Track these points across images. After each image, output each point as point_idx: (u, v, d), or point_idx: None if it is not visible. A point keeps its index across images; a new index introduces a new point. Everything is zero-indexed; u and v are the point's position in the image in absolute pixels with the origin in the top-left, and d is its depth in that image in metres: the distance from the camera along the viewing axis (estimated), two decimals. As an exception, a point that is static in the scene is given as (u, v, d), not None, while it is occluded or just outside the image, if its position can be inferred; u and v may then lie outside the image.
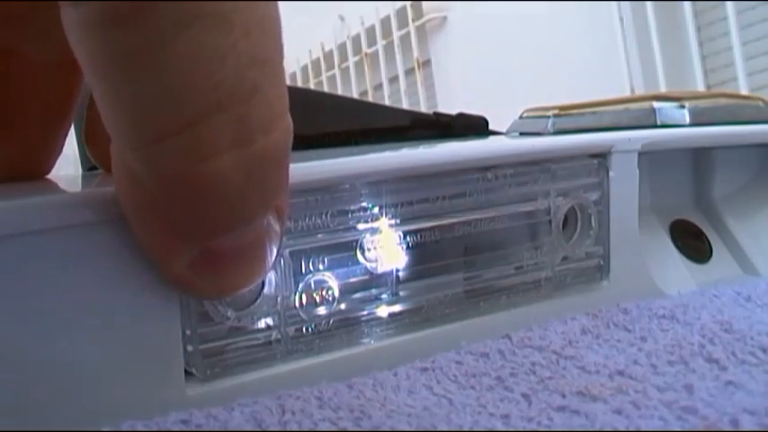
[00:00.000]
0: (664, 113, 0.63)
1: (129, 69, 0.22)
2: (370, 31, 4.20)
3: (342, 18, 4.30)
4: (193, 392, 0.36)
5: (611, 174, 0.51)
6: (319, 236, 0.41)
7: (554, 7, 3.45)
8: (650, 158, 0.63)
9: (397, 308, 0.43)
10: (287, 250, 0.39)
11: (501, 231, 0.48)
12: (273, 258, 0.31)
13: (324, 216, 0.41)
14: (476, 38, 3.86)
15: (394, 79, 4.15)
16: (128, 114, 0.23)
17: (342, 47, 4.32)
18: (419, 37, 4.02)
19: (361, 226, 0.42)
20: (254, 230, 0.28)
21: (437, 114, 0.75)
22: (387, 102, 4.11)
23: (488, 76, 3.72)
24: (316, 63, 4.52)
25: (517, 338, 0.38)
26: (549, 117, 0.58)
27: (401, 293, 0.44)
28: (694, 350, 0.32)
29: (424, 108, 3.96)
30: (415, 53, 3.99)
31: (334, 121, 0.74)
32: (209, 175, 0.24)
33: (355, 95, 4.25)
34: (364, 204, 0.42)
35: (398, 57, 4.12)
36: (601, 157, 0.51)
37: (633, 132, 0.50)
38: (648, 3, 3.14)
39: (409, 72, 4.10)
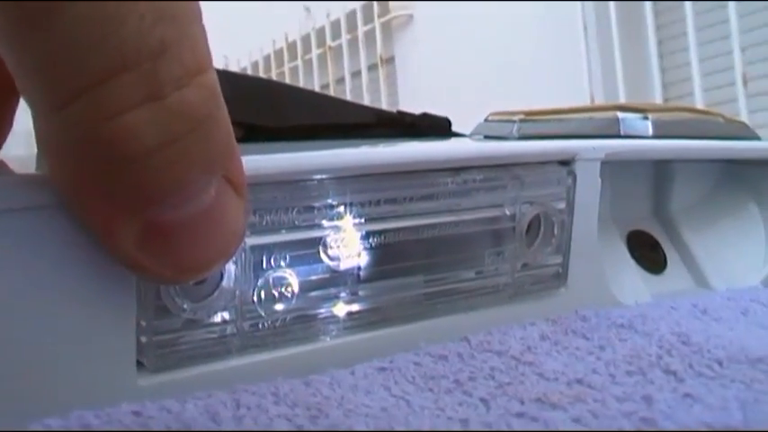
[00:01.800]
0: (627, 124, 0.63)
1: (29, 34, 0.22)
2: (335, 25, 4.18)
3: (308, 9, 4.28)
4: (145, 384, 0.35)
5: (575, 182, 0.52)
6: (282, 231, 0.40)
7: (520, 12, 3.47)
8: (611, 168, 0.63)
9: (356, 307, 0.43)
10: (248, 244, 0.39)
11: (464, 235, 0.48)
12: (236, 238, 0.30)
13: (288, 211, 0.40)
14: (440, 37, 3.87)
15: (357, 74, 4.14)
16: (36, 80, 0.24)
17: (306, 38, 4.29)
18: (384, 34, 4.01)
19: (325, 223, 0.41)
20: (198, 203, 0.27)
21: (401, 113, 0.74)
22: (348, 97, 4.09)
23: (451, 77, 3.73)
24: (279, 53, 4.49)
25: (476, 342, 0.38)
26: (514, 122, 0.58)
27: (361, 293, 0.43)
28: (652, 361, 0.33)
29: (385, 106, 3.95)
30: (379, 49, 3.98)
31: (299, 115, 0.74)
32: (120, 131, 0.24)
33: (317, 89, 4.23)
34: (330, 201, 0.42)
35: (362, 52, 4.11)
36: (567, 164, 0.51)
37: (597, 141, 0.51)
38: (612, 12, 3.17)
39: (372, 68, 4.09)
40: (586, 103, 3.18)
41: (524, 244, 0.50)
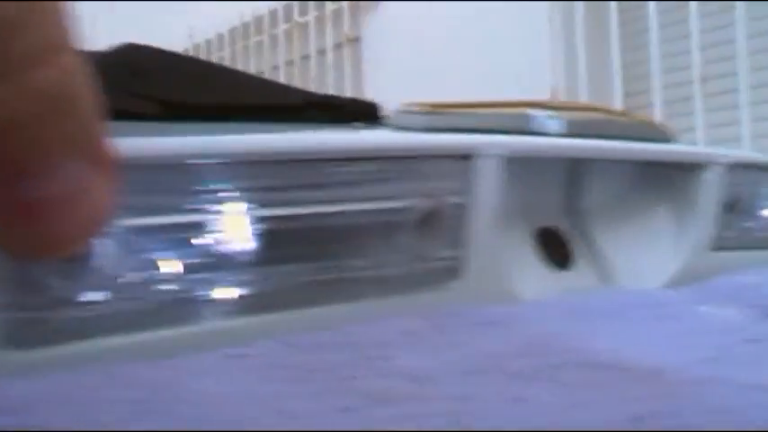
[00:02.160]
0: (538, 122, 0.64)
1: None
2: (304, 3, 4.13)
3: (276, -16, 4.22)
4: (8, 360, 0.35)
5: (474, 177, 0.52)
6: (162, 214, 0.40)
7: (492, 5, 3.46)
8: (523, 164, 0.64)
9: (237, 292, 0.43)
10: (125, 225, 0.39)
11: (356, 225, 0.48)
12: (99, 218, 0.31)
13: (170, 194, 0.40)
14: (408, 21, 3.86)
15: (323, 53, 4.11)
16: None
17: (273, 13, 4.25)
18: (352, 13, 3.98)
19: (207, 207, 0.42)
20: (57, 182, 0.27)
21: (330, 97, 0.74)
22: (312, 75, 4.06)
23: (417, 60, 3.72)
24: (245, 27, 4.43)
25: (341, 334, 0.39)
26: (422, 113, 0.58)
27: (243, 278, 0.44)
28: (503, 362, 0.33)
29: (349, 86, 3.93)
30: (346, 28, 3.96)
31: (221, 93, 0.73)
32: None
33: (282, 65, 4.20)
34: (213, 186, 0.42)
35: (329, 30, 4.08)
36: (467, 159, 0.52)
37: (500, 137, 0.52)
38: (578, 7, 3.19)
39: (338, 47, 4.06)
40: (546, 94, 3.20)
41: (417, 237, 0.50)
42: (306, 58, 4.26)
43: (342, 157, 0.45)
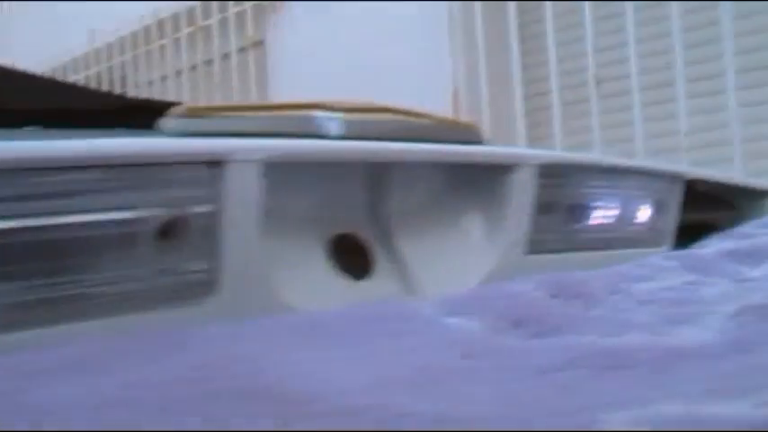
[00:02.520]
0: (319, 124, 0.61)
1: None
2: (207, 5, 4.06)
3: (179, -13, 4.13)
4: None
5: (226, 184, 0.49)
6: None
7: (391, 5, 3.45)
8: (317, 169, 0.61)
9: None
10: None
11: (89, 237, 0.44)
12: None
13: None
14: (313, 24, 3.82)
15: (226, 57, 4.04)
16: None
17: (176, 17, 4.16)
18: (255, 16, 3.92)
19: None
20: None
21: (121, 98, 0.70)
22: (216, 80, 3.99)
23: (321, 64, 3.69)
24: (147, 30, 4.33)
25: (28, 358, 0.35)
26: (179, 117, 0.55)
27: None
28: (151, 392, 0.30)
29: (254, 90, 3.87)
30: (249, 32, 3.90)
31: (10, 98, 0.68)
32: None
33: (185, 69, 4.11)
34: None
35: (233, 33, 4.01)
36: (216, 165, 0.48)
37: (256, 141, 0.48)
38: (478, 10, 3.20)
39: (242, 51, 4.00)
40: (449, 95, 3.20)
41: (160, 249, 0.47)
42: (209, 62, 4.19)
43: (65, 166, 0.41)
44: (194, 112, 0.53)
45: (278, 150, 0.49)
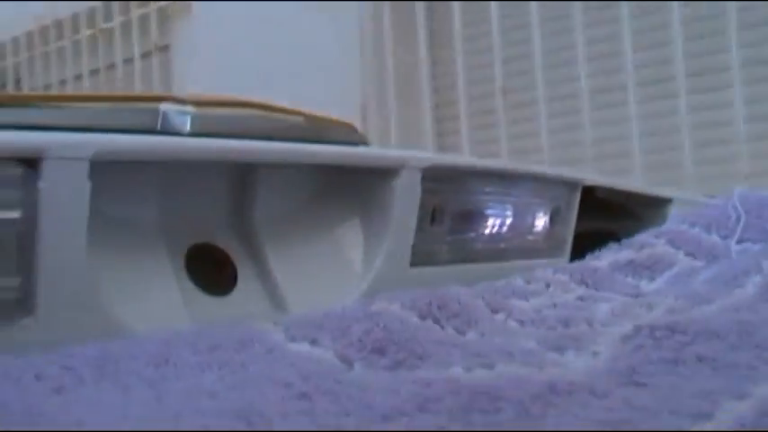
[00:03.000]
0: (167, 118, 0.53)
1: None
2: (108, 6, 3.91)
3: (79, -13, 3.96)
4: None
5: (43, 185, 0.41)
6: None
7: (299, 12, 3.40)
8: (165, 170, 0.53)
9: None
10: None
11: None
12: None
13: None
14: (219, 30, 3.72)
15: (129, 61, 3.89)
16: None
17: (75, 18, 3.98)
18: (161, 21, 3.79)
19: None
20: None
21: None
22: (119, 85, 3.86)
23: (227, 70, 3.59)
24: (44, 30, 4.14)
25: None
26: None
27: None
28: None
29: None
30: (154, 36, 3.76)
31: None
32: None
33: (86, 73, 3.95)
34: None
35: (136, 37, 3.87)
36: (31, 163, 0.40)
37: (82, 136, 0.40)
38: (386, 15, 3.18)
39: (146, 56, 3.86)
40: (356, 104, 3.16)
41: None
42: (112, 66, 4.04)
43: None
44: (9, 100, 0.45)
45: (109, 146, 0.41)
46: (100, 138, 0.43)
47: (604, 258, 0.74)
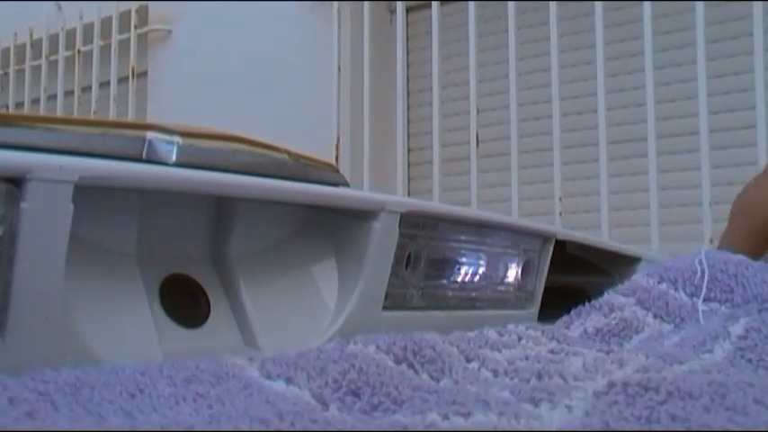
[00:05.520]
0: (152, 147, 0.53)
1: None
2: (88, 29, 3.90)
3: (59, 7, 3.96)
4: None
5: (25, 206, 0.40)
6: None
7: (281, 46, 3.43)
8: (145, 198, 0.53)
9: None
10: None
11: None
12: None
13: None
14: (197, 58, 3.74)
15: (105, 84, 3.88)
16: None
17: (54, 38, 3.97)
18: (139, 46, 3.80)
19: None
20: None
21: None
22: (93, 108, 3.84)
23: (203, 98, 3.60)
24: (20, 49, 4.12)
25: None
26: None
27: None
28: None
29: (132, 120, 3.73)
30: (132, 61, 3.76)
31: None
32: None
33: (60, 95, 3.92)
34: None
35: (114, 61, 3.86)
36: (14, 182, 0.40)
37: (68, 158, 0.40)
38: (366, 57, 3.21)
39: (123, 80, 3.85)
40: (333, 141, 3.18)
41: None
42: (87, 89, 4.02)
43: None
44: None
45: (95, 171, 0.41)
46: (86, 162, 0.43)
47: (575, 329, 0.74)
